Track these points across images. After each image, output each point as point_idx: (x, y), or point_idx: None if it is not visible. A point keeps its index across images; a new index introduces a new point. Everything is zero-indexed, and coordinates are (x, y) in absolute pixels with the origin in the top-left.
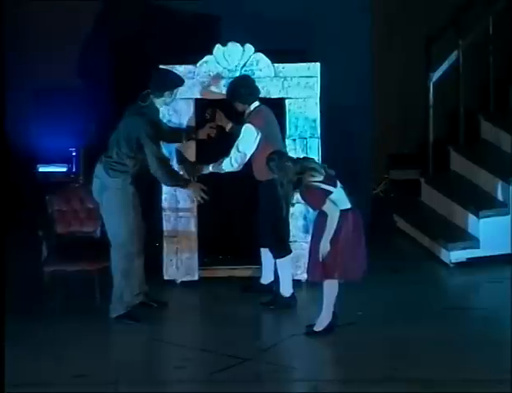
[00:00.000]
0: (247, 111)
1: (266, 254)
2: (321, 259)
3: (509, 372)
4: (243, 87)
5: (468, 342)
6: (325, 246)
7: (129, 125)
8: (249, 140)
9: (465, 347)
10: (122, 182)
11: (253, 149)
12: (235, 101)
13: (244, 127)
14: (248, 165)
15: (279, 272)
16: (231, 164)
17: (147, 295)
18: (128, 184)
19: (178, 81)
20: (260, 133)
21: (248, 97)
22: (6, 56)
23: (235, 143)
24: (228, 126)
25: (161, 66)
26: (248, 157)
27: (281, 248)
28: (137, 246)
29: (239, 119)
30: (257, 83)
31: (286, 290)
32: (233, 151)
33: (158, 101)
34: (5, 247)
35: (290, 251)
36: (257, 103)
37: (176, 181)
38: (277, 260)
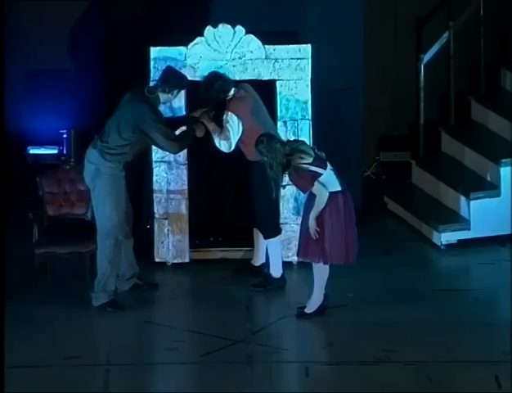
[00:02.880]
0: (227, 98)
1: (259, 235)
2: (313, 237)
3: (502, 354)
4: (217, 82)
5: (459, 324)
6: (311, 223)
7: (135, 111)
8: (233, 128)
9: (457, 329)
10: (116, 168)
11: (239, 135)
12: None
13: (225, 115)
14: (239, 147)
15: (269, 252)
16: (219, 145)
17: (139, 278)
18: (120, 170)
19: (187, 83)
20: (241, 120)
21: (224, 92)
22: None
23: (224, 129)
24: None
25: (152, 48)
26: (235, 143)
27: (271, 228)
28: (126, 228)
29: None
30: (248, 65)
31: (276, 270)
32: (222, 138)
33: (163, 97)
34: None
35: (280, 231)
36: (233, 90)
37: (188, 143)
38: (267, 241)
